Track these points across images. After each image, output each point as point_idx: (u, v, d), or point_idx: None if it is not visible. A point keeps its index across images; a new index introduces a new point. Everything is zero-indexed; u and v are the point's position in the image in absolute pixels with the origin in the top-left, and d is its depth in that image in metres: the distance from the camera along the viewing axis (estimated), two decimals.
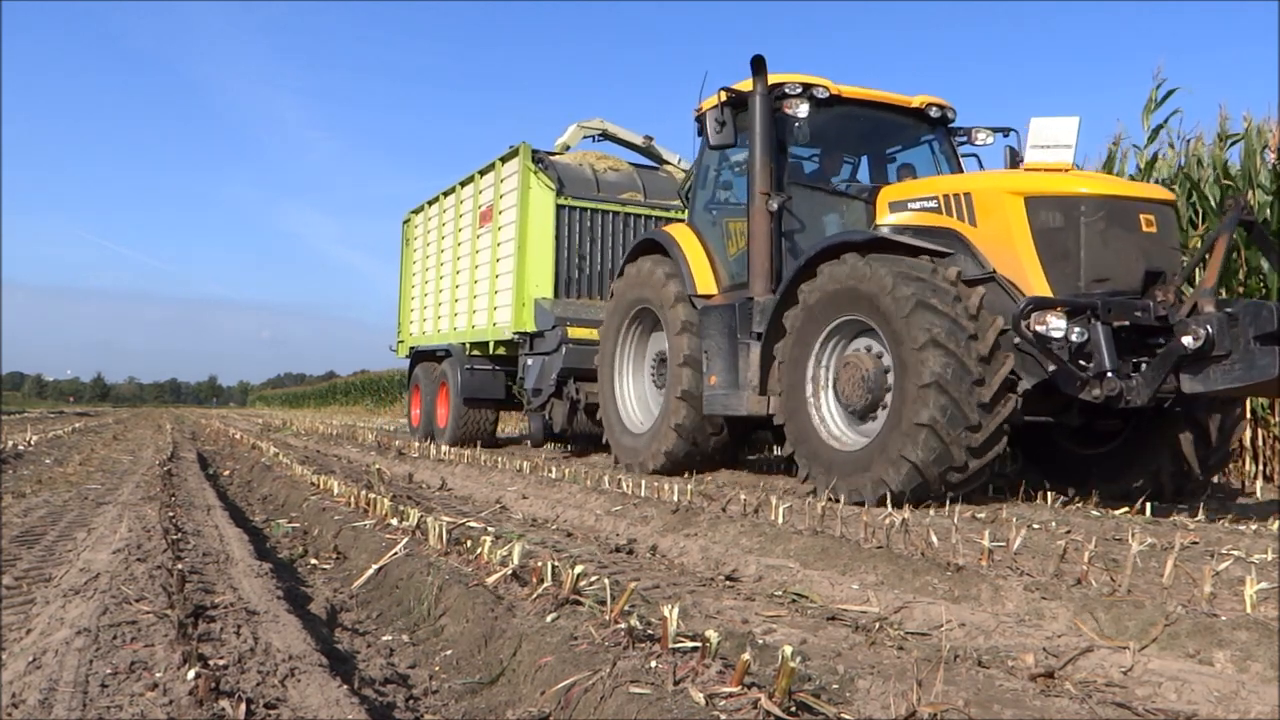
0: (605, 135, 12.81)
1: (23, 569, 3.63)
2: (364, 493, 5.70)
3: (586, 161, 12.11)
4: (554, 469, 8.06)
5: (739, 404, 7.37)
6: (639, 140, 12.84)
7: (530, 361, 11.15)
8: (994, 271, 6.10)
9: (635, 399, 9.07)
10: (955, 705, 2.15)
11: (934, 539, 4.14)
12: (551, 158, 11.86)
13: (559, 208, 11.39)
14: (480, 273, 12.61)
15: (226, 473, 9.23)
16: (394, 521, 4.70)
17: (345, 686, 2.08)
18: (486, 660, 2.66)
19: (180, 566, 3.08)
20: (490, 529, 4.80)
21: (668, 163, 12.84)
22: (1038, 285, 5.92)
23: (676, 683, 2.02)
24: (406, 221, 16.45)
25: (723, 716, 1.86)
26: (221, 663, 2.13)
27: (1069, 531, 4.67)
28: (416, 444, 12.43)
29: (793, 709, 1.91)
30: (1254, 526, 5.09)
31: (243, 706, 1.83)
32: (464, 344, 12.78)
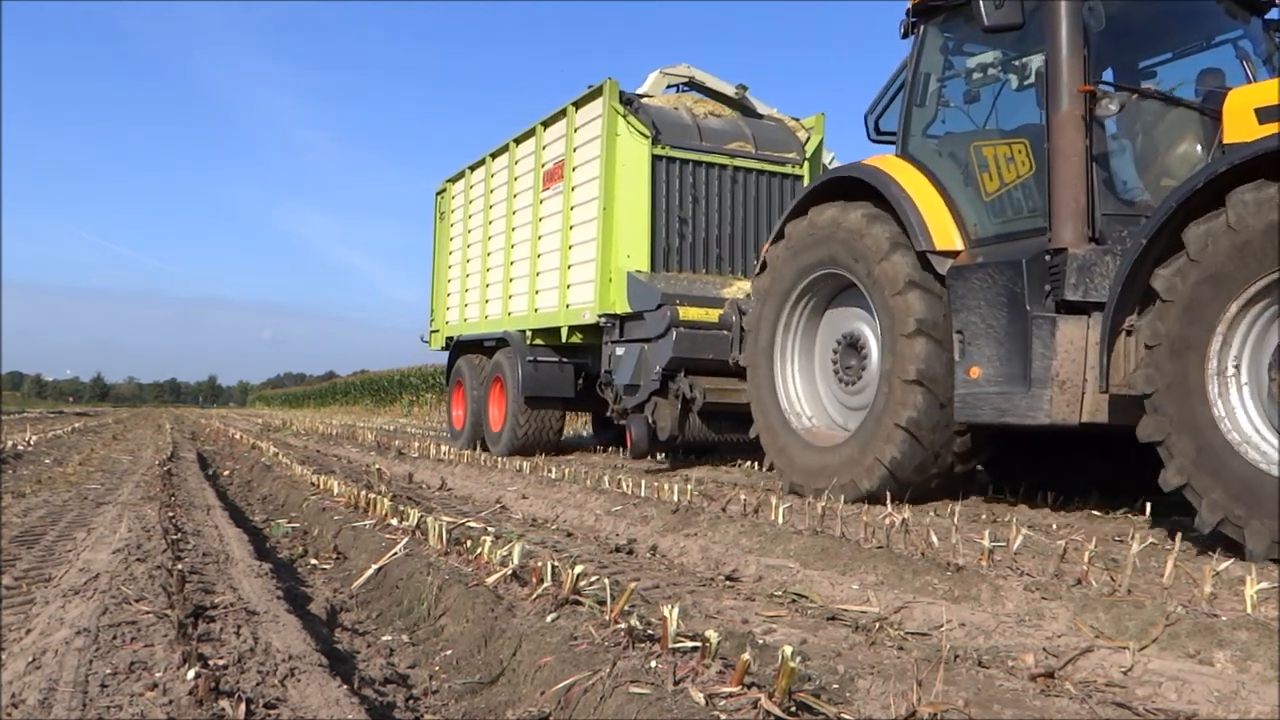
0: (691, 84, 10.68)
1: (23, 569, 3.63)
2: (364, 493, 5.70)
3: (682, 105, 10.05)
4: (554, 469, 8.06)
5: (1034, 408, 5.00)
6: (730, 90, 10.66)
7: (621, 351, 9.12)
8: None
9: (806, 399, 6.77)
10: (955, 705, 2.15)
11: (934, 539, 4.14)
12: (641, 100, 9.76)
13: (655, 159, 9.32)
14: (546, 244, 10.59)
15: (226, 473, 9.23)
16: (394, 521, 4.70)
17: (345, 686, 2.08)
18: (486, 660, 2.66)
19: (180, 566, 3.08)
20: (490, 529, 4.80)
21: (764, 117, 10.72)
22: None
23: (676, 683, 2.02)
24: (441, 192, 14.16)
25: (723, 716, 1.86)
26: (221, 663, 2.13)
27: (1069, 531, 4.67)
28: (416, 445, 12.40)
29: (793, 709, 1.91)
30: None
31: (243, 706, 1.83)
32: (524, 331, 10.83)
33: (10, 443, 10.96)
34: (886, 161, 6.32)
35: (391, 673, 2.61)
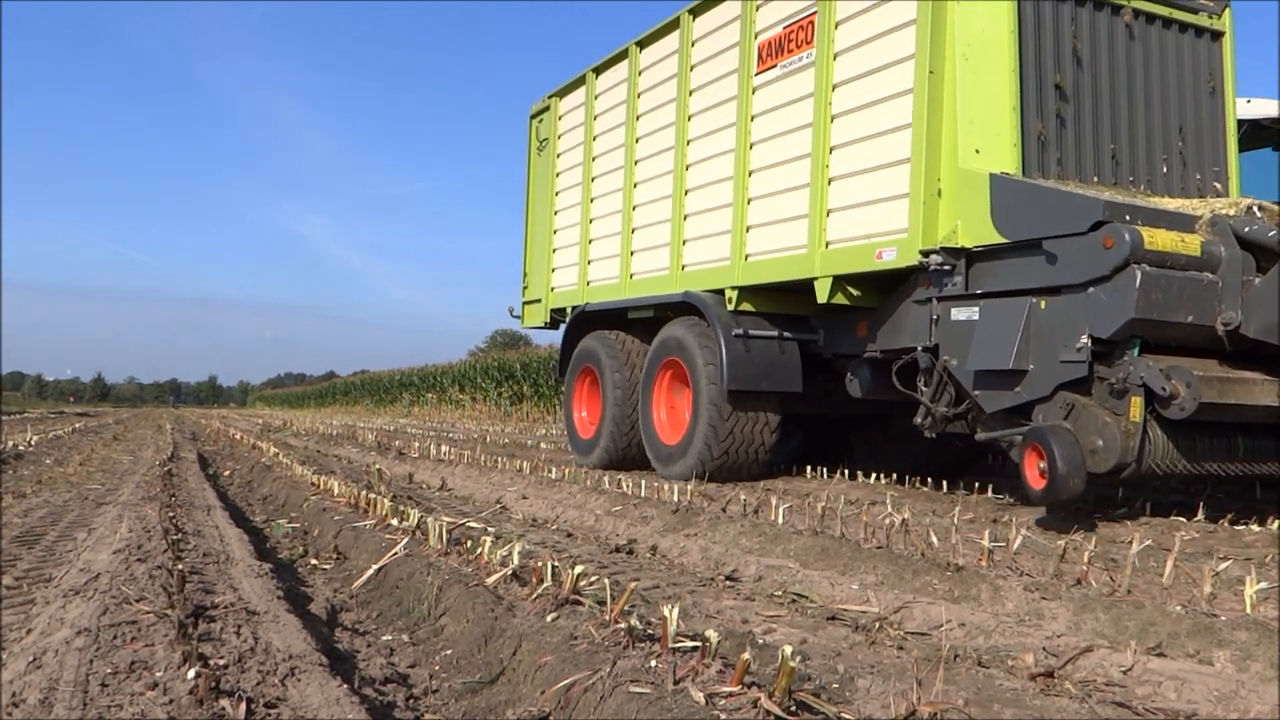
0: None
1: (23, 569, 3.64)
2: (364, 493, 5.70)
3: None
4: (554, 469, 8.05)
5: None
6: None
7: (967, 313, 5.56)
8: None
9: None
10: (955, 705, 2.15)
11: (934, 539, 4.15)
12: None
13: None
14: (769, 152, 6.99)
15: (227, 473, 9.23)
16: (394, 522, 4.70)
17: (345, 686, 2.08)
18: (486, 660, 2.66)
19: (180, 567, 3.08)
20: (490, 529, 4.80)
21: None
22: None
23: (676, 682, 2.03)
24: (540, 114, 10.60)
25: (723, 716, 1.87)
26: (222, 662, 2.14)
27: (1069, 531, 4.67)
28: (416, 445, 12.35)
29: (793, 708, 1.91)
30: (1254, 526, 5.09)
31: (243, 706, 1.83)
32: (725, 290, 7.28)
33: (11, 443, 10.96)
34: None
35: (392, 672, 2.61)
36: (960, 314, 5.61)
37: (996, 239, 5.34)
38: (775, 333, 7.13)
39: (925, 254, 5.60)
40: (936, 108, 5.66)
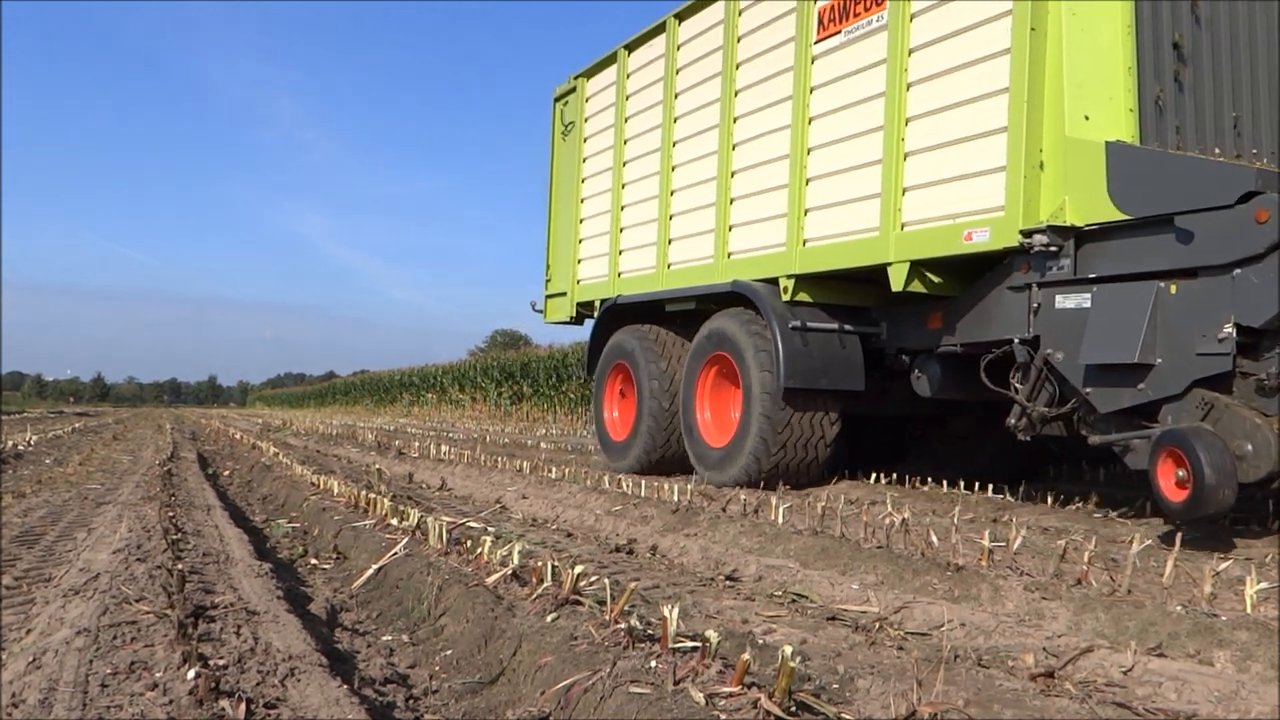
0: None
1: (23, 569, 3.64)
2: (364, 493, 5.70)
3: None
4: (554, 469, 8.05)
5: None
6: None
7: (1075, 301, 5.01)
8: None
9: None
10: (955, 705, 2.15)
11: (934, 539, 4.15)
12: None
13: None
14: (829, 128, 6.41)
15: (226, 473, 9.23)
16: (394, 521, 4.70)
17: (345, 686, 2.08)
18: (486, 660, 2.66)
19: (180, 566, 3.08)
20: (490, 529, 4.80)
21: None
22: None
23: (676, 683, 2.02)
24: (565, 96, 10.01)
25: (723, 716, 1.86)
26: (221, 662, 2.13)
27: (1069, 531, 4.67)
28: (416, 445, 12.34)
29: (793, 709, 1.91)
30: (1254, 526, 5.09)
31: (243, 706, 1.83)
32: (780, 279, 6.73)
33: (10, 443, 10.96)
34: None
35: (391, 672, 2.61)
36: (1068, 301, 5.02)
37: (1114, 215, 4.76)
38: (835, 325, 6.54)
39: (1027, 234, 5.00)
40: (1039, 69, 5.06)
